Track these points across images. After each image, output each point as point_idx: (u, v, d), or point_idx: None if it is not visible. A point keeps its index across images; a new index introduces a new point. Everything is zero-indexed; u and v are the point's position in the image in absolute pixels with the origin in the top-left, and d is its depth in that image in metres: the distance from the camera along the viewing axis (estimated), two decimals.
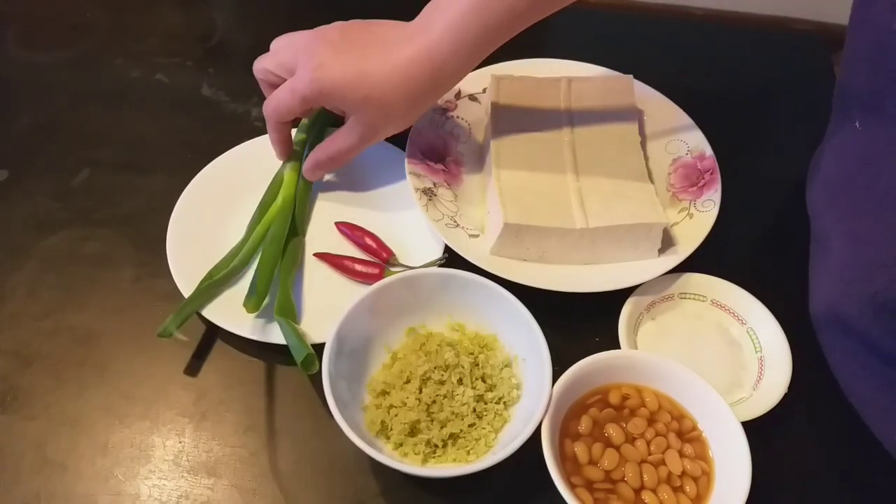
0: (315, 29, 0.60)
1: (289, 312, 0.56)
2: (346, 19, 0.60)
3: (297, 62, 0.58)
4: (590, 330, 0.58)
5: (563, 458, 0.49)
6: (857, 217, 0.53)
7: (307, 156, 0.64)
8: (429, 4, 0.57)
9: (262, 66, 0.61)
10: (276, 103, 0.60)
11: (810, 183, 0.63)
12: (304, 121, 0.68)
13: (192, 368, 0.57)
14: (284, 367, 0.56)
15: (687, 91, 0.70)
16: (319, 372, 0.50)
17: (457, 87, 0.69)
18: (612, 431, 0.51)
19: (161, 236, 0.61)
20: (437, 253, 0.61)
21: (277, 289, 0.58)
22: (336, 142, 0.61)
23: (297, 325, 0.57)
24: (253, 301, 0.56)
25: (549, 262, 0.60)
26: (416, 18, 0.58)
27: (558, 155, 0.64)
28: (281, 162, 0.66)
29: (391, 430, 0.51)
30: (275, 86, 0.60)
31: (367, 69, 0.56)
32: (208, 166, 0.66)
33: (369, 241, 0.62)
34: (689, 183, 0.65)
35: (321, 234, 0.64)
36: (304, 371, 0.52)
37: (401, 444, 0.51)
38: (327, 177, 0.68)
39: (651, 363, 0.52)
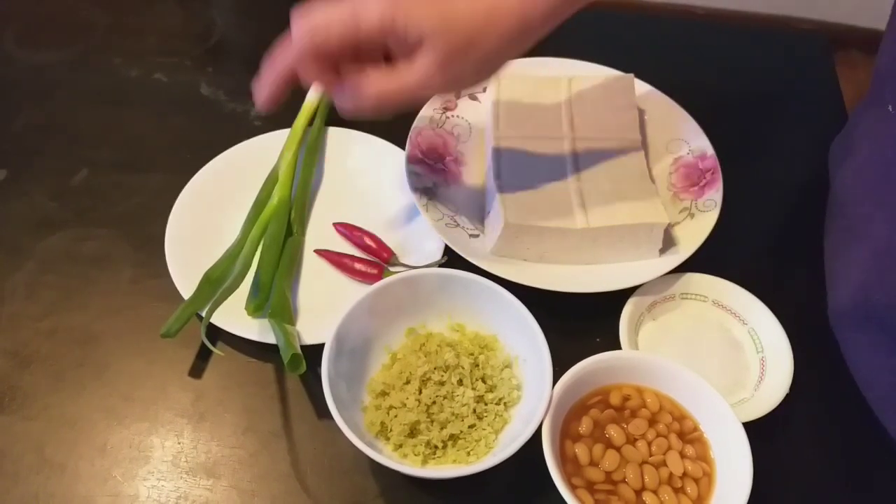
0: None
1: (284, 313, 0.56)
2: None
3: None
4: (590, 330, 0.58)
5: (564, 459, 0.49)
6: None
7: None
8: None
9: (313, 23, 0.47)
10: (325, 21, 0.47)
11: (839, 170, 0.61)
12: (309, 102, 0.67)
13: (191, 369, 0.57)
14: (283, 367, 0.56)
15: (688, 90, 0.70)
16: (318, 372, 0.50)
17: None
18: (613, 432, 0.50)
19: (160, 236, 0.61)
20: (438, 253, 0.60)
21: (274, 289, 0.58)
22: (405, 75, 0.49)
23: (294, 326, 0.56)
24: (255, 305, 0.56)
25: (549, 262, 0.60)
26: None
27: (559, 154, 0.64)
28: (275, 154, 0.65)
29: (391, 430, 0.51)
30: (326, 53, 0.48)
31: None
32: (207, 166, 0.66)
33: (369, 241, 0.62)
34: (690, 182, 0.65)
35: (321, 234, 0.64)
36: (291, 371, 0.52)
37: (400, 445, 0.51)
38: (326, 176, 0.67)
39: (652, 364, 0.52)
